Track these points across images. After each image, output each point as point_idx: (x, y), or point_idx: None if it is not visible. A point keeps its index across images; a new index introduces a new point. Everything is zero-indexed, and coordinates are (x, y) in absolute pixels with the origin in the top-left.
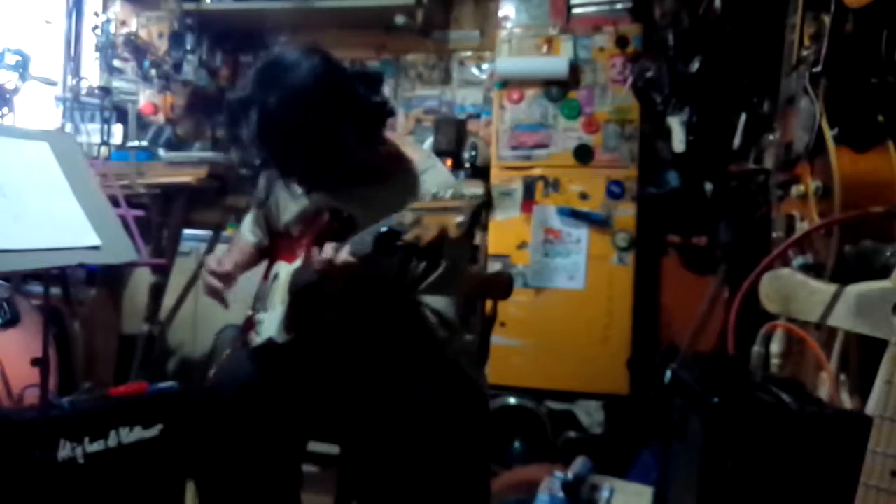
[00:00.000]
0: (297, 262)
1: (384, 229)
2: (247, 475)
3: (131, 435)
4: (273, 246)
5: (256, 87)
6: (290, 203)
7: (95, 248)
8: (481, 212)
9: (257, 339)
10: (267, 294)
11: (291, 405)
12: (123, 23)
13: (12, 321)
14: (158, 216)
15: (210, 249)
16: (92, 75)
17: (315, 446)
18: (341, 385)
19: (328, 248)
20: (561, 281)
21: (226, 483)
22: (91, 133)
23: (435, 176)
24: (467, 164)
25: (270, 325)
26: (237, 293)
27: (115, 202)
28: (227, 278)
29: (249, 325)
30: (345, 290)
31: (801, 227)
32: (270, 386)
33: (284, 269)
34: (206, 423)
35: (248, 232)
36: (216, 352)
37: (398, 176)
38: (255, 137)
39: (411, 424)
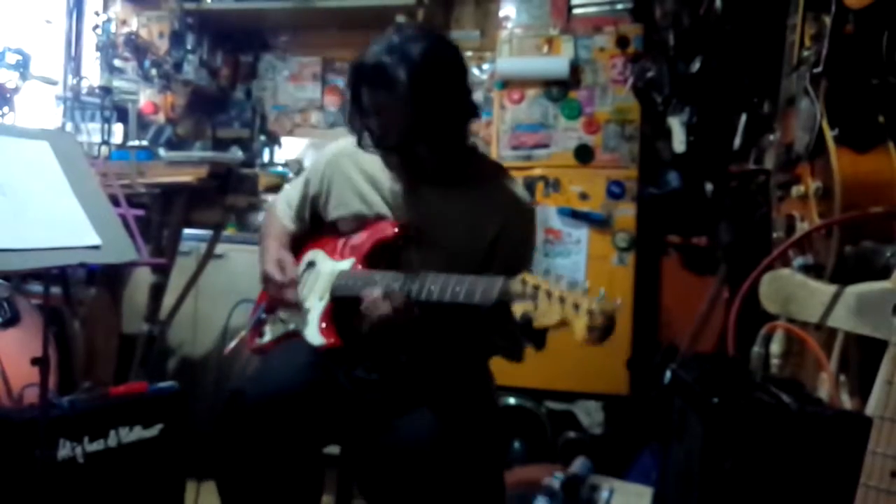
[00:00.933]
0: (344, 264)
1: (490, 298)
2: (274, 481)
3: (131, 434)
4: (311, 230)
5: (387, 53)
6: (348, 200)
7: (96, 247)
8: (614, 326)
9: (282, 325)
10: (298, 280)
11: (323, 411)
12: (124, 22)
13: (12, 320)
14: (159, 216)
15: (210, 250)
16: (92, 75)
17: None
18: (366, 389)
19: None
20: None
21: (254, 489)
22: (91, 132)
23: (513, 189)
24: None
25: (308, 317)
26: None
27: (115, 201)
28: (294, 283)
29: (271, 304)
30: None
31: (802, 227)
32: (309, 393)
33: (325, 262)
34: (236, 427)
35: (287, 220)
36: (228, 327)
37: (474, 184)
38: (382, 105)
39: (423, 422)
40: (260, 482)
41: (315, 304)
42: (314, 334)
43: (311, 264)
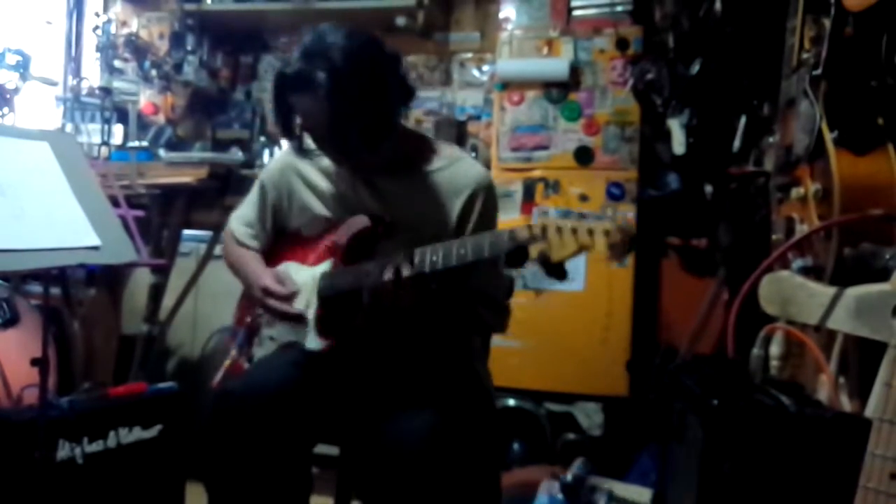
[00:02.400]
0: (322, 267)
1: (508, 245)
2: (262, 482)
3: (130, 435)
4: (275, 245)
5: (306, 62)
6: (310, 203)
7: (95, 248)
8: (634, 238)
9: (271, 342)
10: (299, 290)
11: (311, 411)
12: (124, 23)
13: (12, 321)
14: (158, 216)
15: (210, 250)
16: (92, 75)
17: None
18: (361, 389)
19: (388, 271)
20: (560, 283)
21: (242, 489)
22: (91, 133)
23: (469, 168)
24: None
25: (298, 327)
26: (235, 293)
27: (115, 202)
28: (293, 296)
29: (253, 327)
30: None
31: (801, 229)
32: (298, 392)
33: (301, 271)
34: (224, 427)
35: (248, 238)
36: (212, 355)
37: (427, 169)
38: (311, 111)
39: (420, 422)
40: (245, 481)
41: (308, 311)
42: (313, 340)
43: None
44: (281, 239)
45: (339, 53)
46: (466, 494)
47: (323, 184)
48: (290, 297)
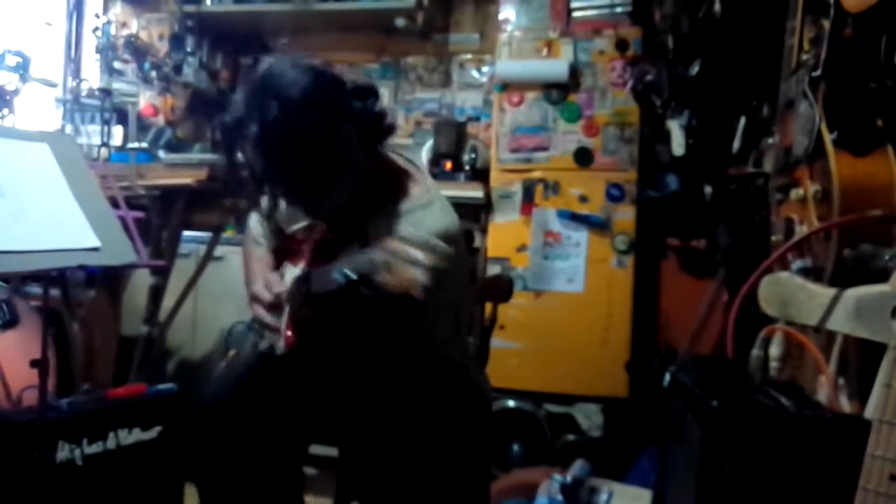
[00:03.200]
0: (297, 269)
1: (353, 276)
2: (249, 478)
3: (130, 437)
4: (282, 247)
5: (248, 108)
6: (295, 213)
7: (95, 249)
8: (446, 277)
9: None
10: (284, 298)
11: (292, 409)
12: (124, 24)
13: (11, 322)
14: (158, 218)
15: (209, 252)
16: (92, 77)
17: (314, 449)
18: (343, 388)
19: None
20: (560, 284)
21: (228, 486)
22: (91, 135)
23: (423, 217)
24: (467, 167)
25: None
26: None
27: (114, 204)
28: (276, 305)
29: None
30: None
31: (800, 230)
32: (267, 391)
33: (290, 272)
34: (207, 426)
35: (260, 237)
36: (226, 348)
37: (389, 212)
38: (255, 160)
39: (414, 426)
40: (228, 482)
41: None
42: (280, 341)
43: (282, 277)
44: (288, 238)
45: (275, 99)
46: (453, 495)
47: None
48: (273, 306)
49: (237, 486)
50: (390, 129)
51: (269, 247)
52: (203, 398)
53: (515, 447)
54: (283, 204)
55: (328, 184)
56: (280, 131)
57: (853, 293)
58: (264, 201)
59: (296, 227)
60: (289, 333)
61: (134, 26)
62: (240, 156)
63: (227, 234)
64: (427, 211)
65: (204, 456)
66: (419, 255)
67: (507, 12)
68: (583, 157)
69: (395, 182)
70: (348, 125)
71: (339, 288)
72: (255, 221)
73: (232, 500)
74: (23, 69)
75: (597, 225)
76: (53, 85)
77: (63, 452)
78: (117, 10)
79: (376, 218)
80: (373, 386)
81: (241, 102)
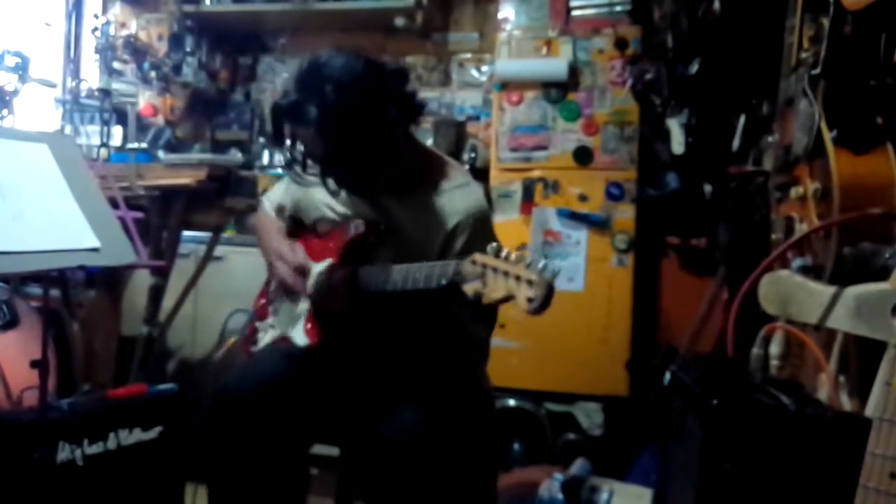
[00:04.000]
0: (322, 265)
1: (444, 281)
2: (262, 476)
3: (130, 437)
4: (293, 235)
5: (301, 91)
6: (325, 200)
7: (95, 249)
8: (553, 294)
9: (272, 330)
10: (308, 267)
11: (305, 407)
12: (123, 25)
13: (11, 323)
14: (158, 218)
15: (209, 252)
16: (91, 77)
17: (315, 448)
18: (353, 387)
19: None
20: (560, 283)
21: (241, 483)
22: (90, 135)
23: (465, 197)
24: (467, 167)
25: (294, 320)
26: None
27: (114, 204)
28: (303, 268)
29: (263, 311)
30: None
31: (800, 228)
32: (289, 390)
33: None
34: (219, 422)
35: (275, 213)
36: (224, 334)
37: (428, 191)
38: (308, 140)
39: (419, 424)
40: (238, 475)
41: (301, 305)
42: (300, 335)
43: None
44: (300, 230)
45: (333, 84)
46: (459, 493)
47: (327, 197)
48: (299, 268)
49: (249, 483)
50: (422, 110)
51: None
52: (220, 392)
53: (516, 446)
54: (302, 193)
55: (377, 160)
56: (337, 111)
57: (853, 291)
58: (312, 178)
59: (316, 216)
60: (308, 326)
61: (133, 26)
62: (289, 137)
63: (227, 234)
64: (466, 191)
65: (219, 452)
66: (523, 272)
67: (506, 11)
68: (582, 156)
69: (432, 165)
70: (393, 107)
71: (441, 287)
72: (269, 201)
73: (243, 497)
74: (22, 69)
75: (597, 224)
76: (53, 85)
77: (63, 453)
78: (116, 11)
79: (411, 199)
80: (389, 384)
81: (296, 85)
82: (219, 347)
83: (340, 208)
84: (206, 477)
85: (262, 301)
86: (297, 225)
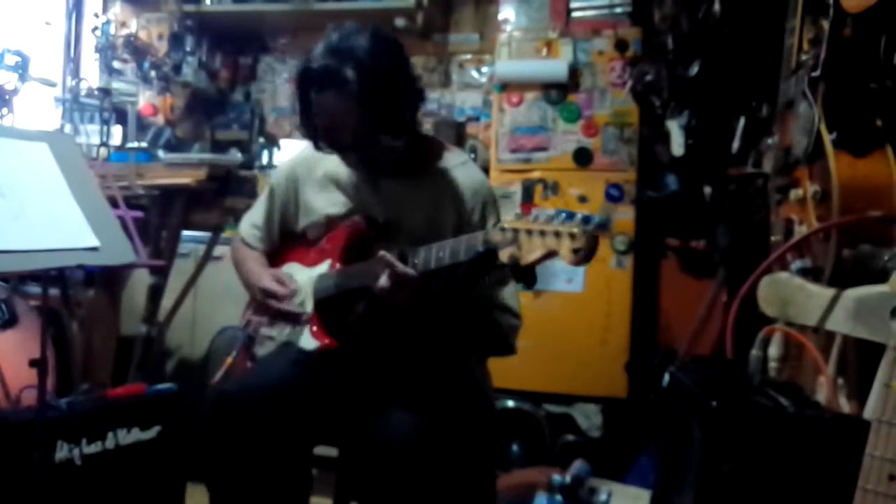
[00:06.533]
0: (321, 267)
1: (480, 249)
2: (266, 480)
3: (129, 436)
4: (281, 247)
5: (331, 57)
6: (315, 205)
7: (94, 249)
8: (598, 243)
9: (271, 342)
10: (298, 289)
11: (311, 410)
12: (123, 24)
13: (10, 322)
14: (157, 217)
15: (209, 252)
16: (91, 76)
17: (314, 449)
18: (357, 388)
19: (386, 274)
20: (559, 284)
21: (243, 487)
22: (90, 134)
23: (470, 173)
24: None
25: (295, 328)
26: (234, 294)
27: (114, 203)
28: (292, 294)
29: (255, 327)
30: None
31: (800, 230)
32: (298, 391)
33: (301, 272)
34: (227, 427)
35: (254, 240)
36: (214, 354)
37: (430, 172)
38: (331, 105)
39: (419, 425)
40: (244, 479)
41: (303, 312)
42: (308, 340)
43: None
44: (288, 241)
45: (364, 51)
46: (458, 494)
47: (328, 185)
48: (288, 297)
49: (252, 487)
50: (422, 96)
51: (263, 250)
52: (228, 398)
53: (515, 447)
54: (295, 198)
55: (392, 136)
56: (367, 80)
57: (852, 293)
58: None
59: (307, 222)
60: (314, 329)
61: (133, 26)
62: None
63: (227, 233)
64: (469, 167)
65: (225, 456)
66: (563, 227)
67: (506, 12)
68: (582, 158)
69: (433, 147)
70: (414, 79)
71: (474, 258)
72: (246, 224)
73: (246, 500)
74: (22, 68)
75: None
76: (53, 84)
77: (62, 452)
78: (117, 10)
79: (417, 181)
80: (390, 384)
81: (326, 51)
82: (209, 367)
83: (342, 199)
84: (208, 479)
85: (252, 315)
86: (286, 238)
